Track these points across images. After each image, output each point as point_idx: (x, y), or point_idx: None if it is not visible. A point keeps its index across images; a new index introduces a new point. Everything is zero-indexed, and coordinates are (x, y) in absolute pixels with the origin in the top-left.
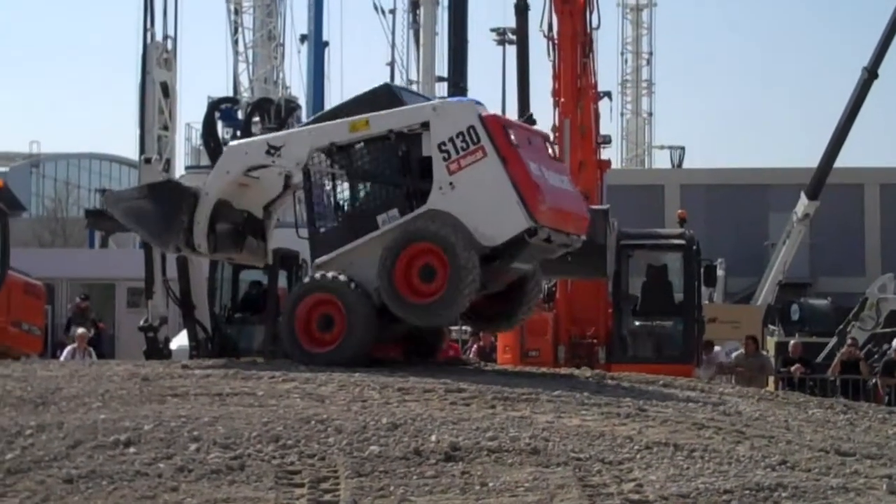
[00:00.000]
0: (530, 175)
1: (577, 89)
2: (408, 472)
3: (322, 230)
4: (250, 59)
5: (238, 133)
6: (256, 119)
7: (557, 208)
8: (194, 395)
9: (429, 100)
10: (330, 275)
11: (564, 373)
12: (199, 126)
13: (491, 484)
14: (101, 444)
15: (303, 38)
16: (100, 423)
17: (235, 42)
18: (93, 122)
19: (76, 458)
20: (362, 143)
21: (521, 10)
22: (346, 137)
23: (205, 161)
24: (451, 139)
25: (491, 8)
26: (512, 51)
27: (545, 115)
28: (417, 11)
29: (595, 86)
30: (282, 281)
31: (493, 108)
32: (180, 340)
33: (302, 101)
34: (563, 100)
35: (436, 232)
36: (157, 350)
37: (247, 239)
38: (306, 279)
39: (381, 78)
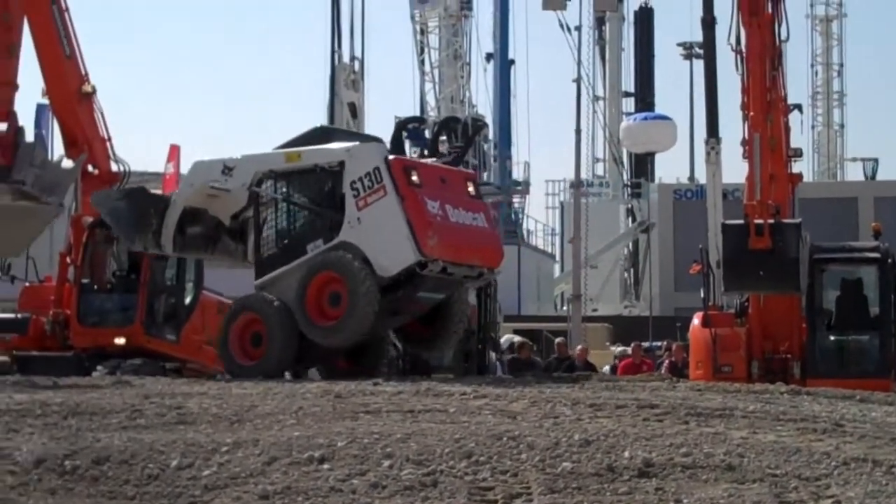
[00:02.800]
0: (425, 212)
1: (766, 103)
2: (601, 489)
3: (264, 254)
4: (436, 79)
5: (425, 152)
6: (443, 138)
7: (456, 243)
8: (386, 412)
9: (367, 138)
10: (259, 295)
11: (758, 388)
12: (386, 146)
13: (685, 500)
14: (296, 461)
15: (488, 56)
16: (294, 440)
17: (422, 62)
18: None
19: (271, 474)
20: (295, 174)
21: (709, 23)
22: (282, 166)
23: None
24: (360, 178)
25: (677, 22)
26: (699, 65)
27: (734, 129)
28: (603, 28)
29: (784, 99)
30: (471, 298)
31: (681, 124)
32: None
33: (488, 120)
34: (752, 113)
35: (341, 262)
36: None
37: (219, 242)
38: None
39: (569, 94)
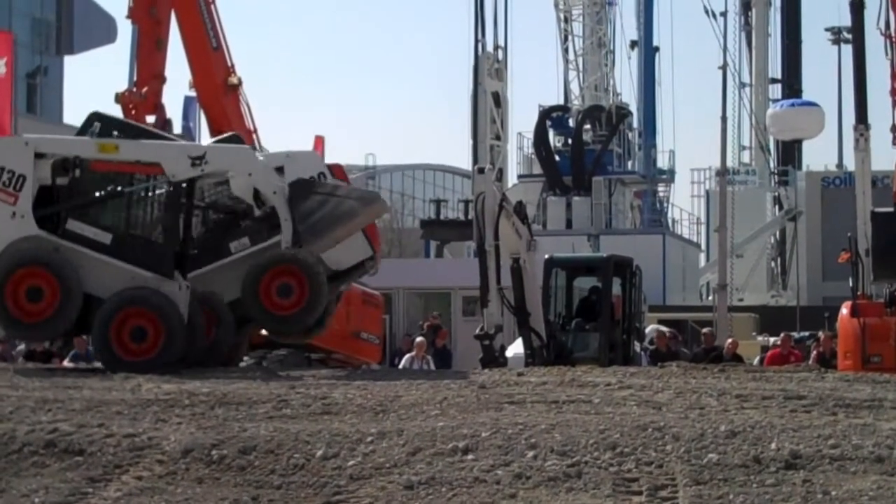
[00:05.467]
0: None
1: None
2: (747, 481)
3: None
4: (580, 67)
5: (569, 141)
6: (587, 126)
7: (376, 240)
8: (531, 403)
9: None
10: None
11: None
12: (530, 135)
13: (834, 493)
14: (440, 451)
15: (633, 43)
16: (438, 431)
17: (565, 50)
18: (426, 133)
19: (416, 464)
20: (221, 181)
21: (857, 7)
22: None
23: (536, 170)
24: None
25: (825, 7)
26: (848, 50)
27: (884, 115)
28: (749, 13)
29: None
30: (616, 288)
31: (829, 110)
32: (516, 348)
33: (633, 108)
34: None
35: (298, 257)
36: (492, 358)
37: None
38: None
39: (714, 81)
